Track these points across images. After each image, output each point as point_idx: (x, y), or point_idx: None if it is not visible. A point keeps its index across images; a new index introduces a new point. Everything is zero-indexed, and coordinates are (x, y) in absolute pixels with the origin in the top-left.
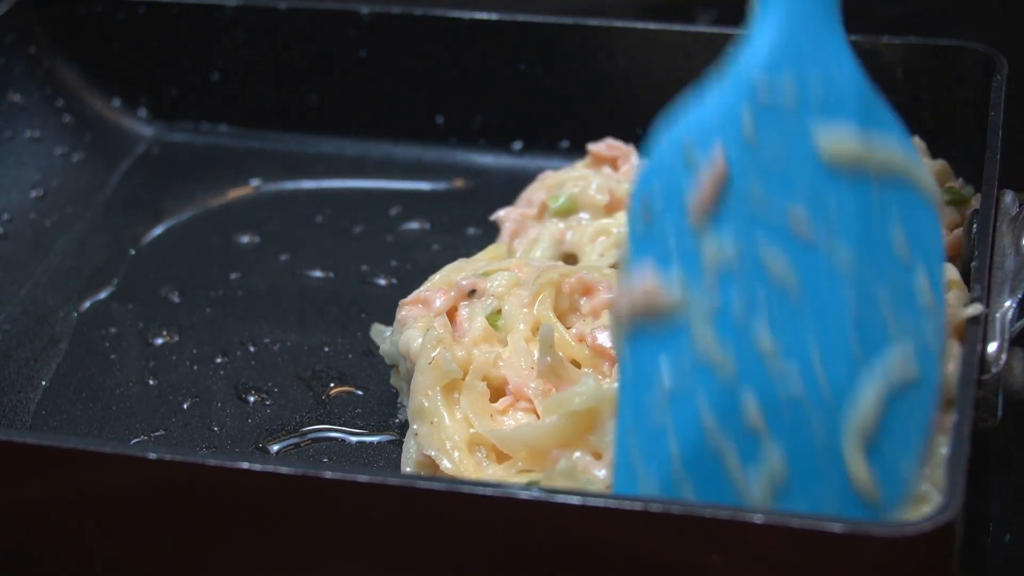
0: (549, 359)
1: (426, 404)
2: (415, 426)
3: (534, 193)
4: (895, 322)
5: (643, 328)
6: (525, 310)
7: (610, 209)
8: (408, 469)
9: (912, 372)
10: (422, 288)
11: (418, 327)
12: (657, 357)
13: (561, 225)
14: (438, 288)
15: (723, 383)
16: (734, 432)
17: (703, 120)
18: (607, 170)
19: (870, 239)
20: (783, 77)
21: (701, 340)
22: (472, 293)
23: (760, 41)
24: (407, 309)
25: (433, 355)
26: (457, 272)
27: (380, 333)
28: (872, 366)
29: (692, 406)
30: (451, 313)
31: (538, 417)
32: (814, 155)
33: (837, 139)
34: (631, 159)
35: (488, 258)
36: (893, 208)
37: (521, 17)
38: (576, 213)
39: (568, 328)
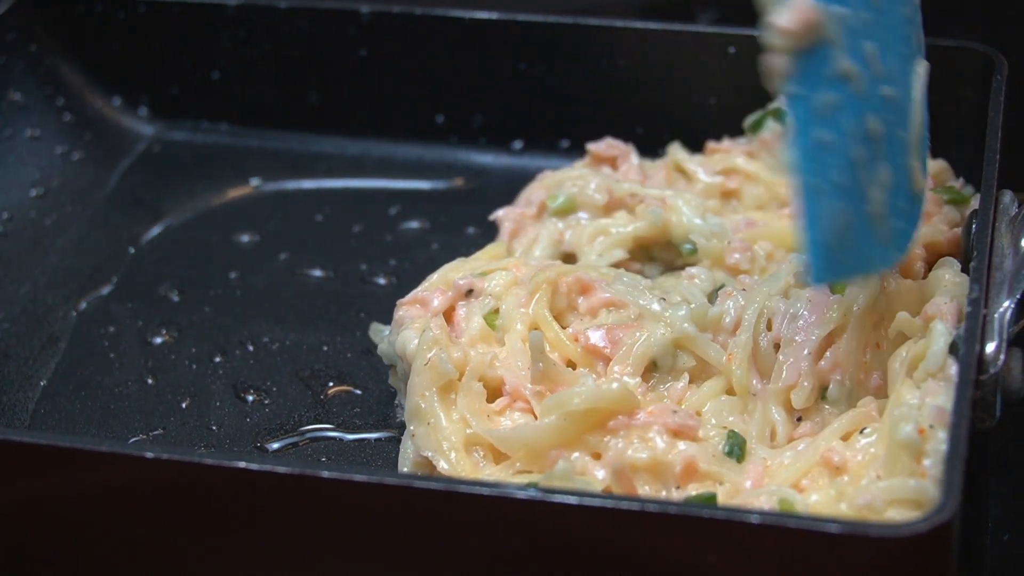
0: (541, 365)
1: (422, 405)
2: (412, 427)
3: (533, 193)
4: (916, 39)
5: (799, 55)
6: (522, 310)
7: (609, 208)
8: (405, 470)
9: (924, 83)
10: (420, 288)
11: (414, 328)
12: (810, 79)
13: (560, 225)
14: (436, 288)
15: (858, 94)
16: (865, 141)
17: None
18: (606, 170)
19: None
20: None
21: (840, 58)
22: (470, 293)
23: None
24: (404, 309)
25: (429, 356)
26: (455, 272)
27: (379, 332)
28: (914, 76)
29: (847, 118)
30: (448, 313)
31: (535, 417)
32: None
33: None
34: (630, 158)
35: (487, 257)
36: None
37: (521, 17)
38: (575, 212)
39: (565, 328)
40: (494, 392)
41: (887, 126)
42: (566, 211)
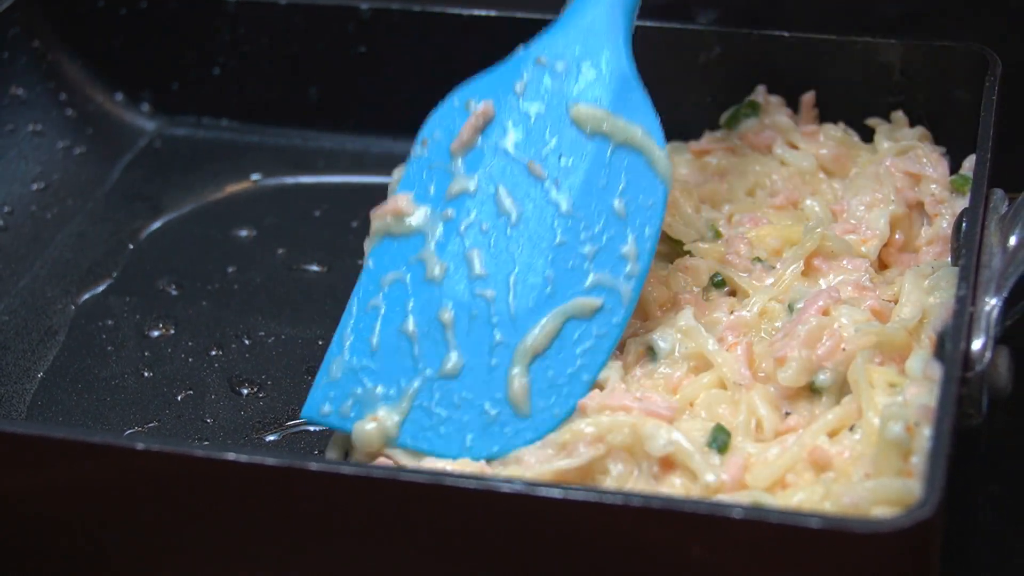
0: None
1: None
2: None
3: None
4: (593, 272)
5: (388, 237)
6: None
7: None
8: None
9: (591, 315)
10: None
11: None
12: (389, 259)
13: None
14: None
15: (431, 286)
16: (427, 327)
17: (487, 80)
18: None
19: (590, 194)
20: (560, 60)
21: (425, 250)
22: None
23: (552, 34)
24: None
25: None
26: None
27: None
28: (557, 304)
29: (403, 298)
30: None
31: None
32: (566, 116)
33: (585, 110)
34: None
35: None
36: (621, 176)
37: (519, 13)
38: None
39: None
40: None
41: (477, 323)
42: None
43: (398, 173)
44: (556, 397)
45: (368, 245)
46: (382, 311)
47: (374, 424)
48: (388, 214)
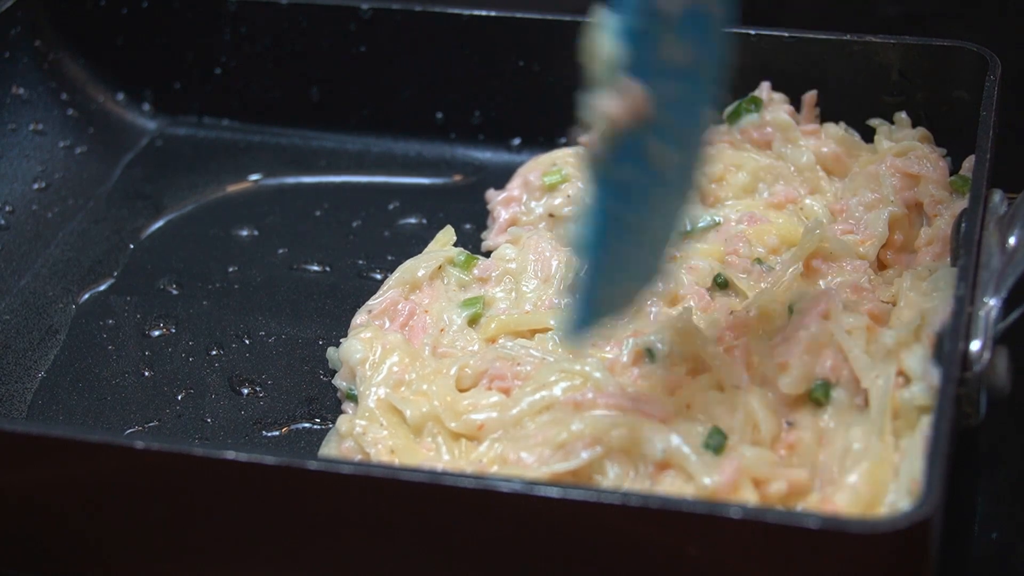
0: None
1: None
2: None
3: (529, 172)
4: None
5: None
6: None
7: None
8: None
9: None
10: (383, 296)
11: (360, 337)
12: (624, 159)
13: (557, 200)
14: (399, 287)
15: (656, 170)
16: (648, 210)
17: None
18: None
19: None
20: None
21: (651, 139)
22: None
23: None
24: (362, 318)
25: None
26: (412, 270)
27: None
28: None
29: (637, 192)
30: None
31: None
32: None
33: None
34: None
35: (439, 246)
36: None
37: (520, 14)
38: (570, 182)
39: None
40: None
41: (666, 193)
42: (563, 183)
43: None
44: None
45: (600, 151)
46: (622, 216)
47: None
48: (630, 117)
